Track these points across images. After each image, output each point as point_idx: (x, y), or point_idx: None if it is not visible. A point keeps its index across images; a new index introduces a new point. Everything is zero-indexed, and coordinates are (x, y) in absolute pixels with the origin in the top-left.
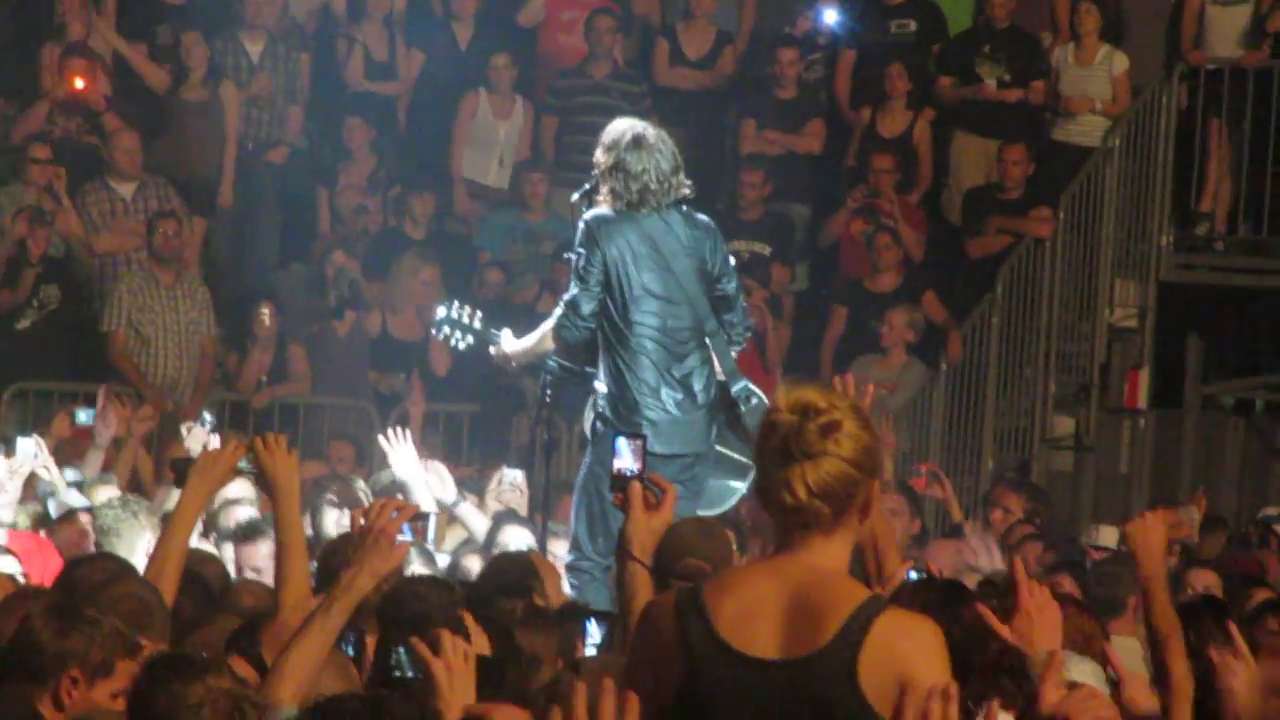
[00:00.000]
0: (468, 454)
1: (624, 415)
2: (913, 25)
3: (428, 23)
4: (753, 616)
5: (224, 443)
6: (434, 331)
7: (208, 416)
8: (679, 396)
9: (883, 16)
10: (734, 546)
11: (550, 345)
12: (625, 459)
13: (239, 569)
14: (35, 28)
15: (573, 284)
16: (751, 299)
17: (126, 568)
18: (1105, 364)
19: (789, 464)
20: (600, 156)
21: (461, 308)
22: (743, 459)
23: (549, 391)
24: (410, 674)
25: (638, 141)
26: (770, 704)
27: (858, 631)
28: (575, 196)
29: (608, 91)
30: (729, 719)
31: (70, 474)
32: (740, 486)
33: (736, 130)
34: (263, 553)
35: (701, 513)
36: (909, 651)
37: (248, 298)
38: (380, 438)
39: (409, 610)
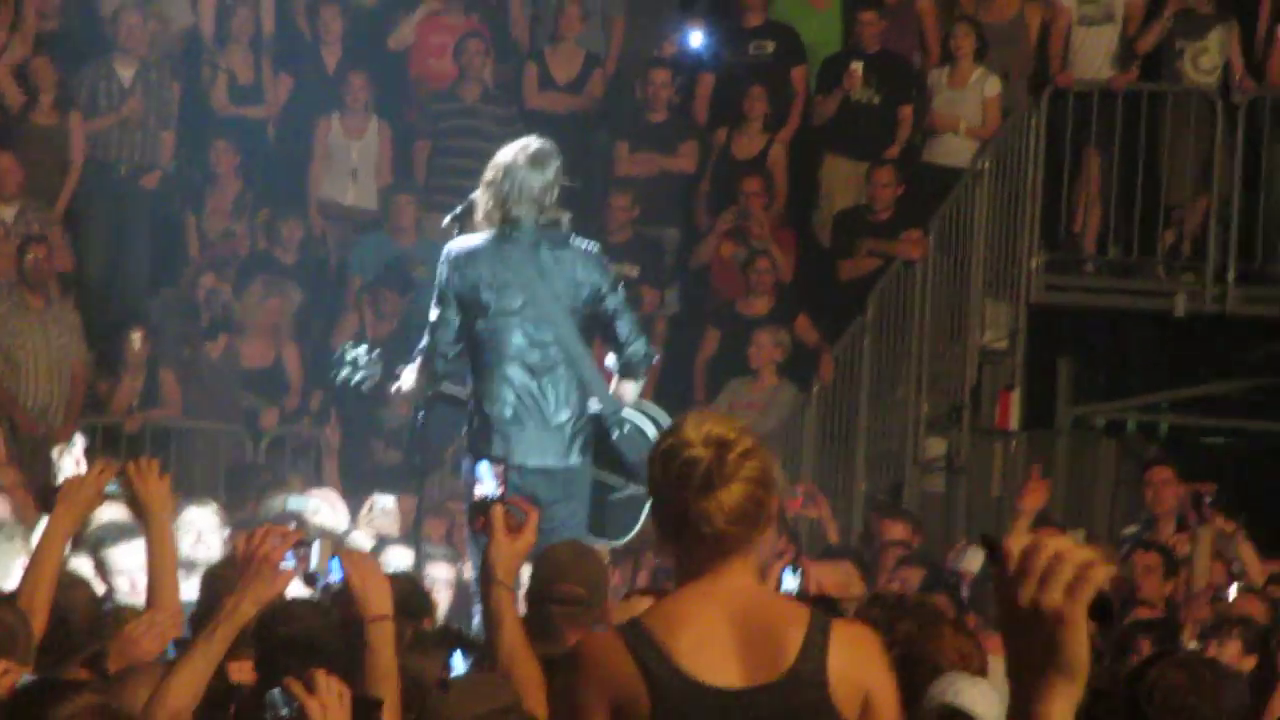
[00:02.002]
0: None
1: (480, 432)
2: (770, 47)
3: (296, 46)
4: (708, 646)
5: (92, 467)
6: (331, 374)
7: (79, 438)
8: (531, 413)
9: (742, 39)
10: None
11: (427, 375)
12: (486, 483)
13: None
14: None
15: (431, 312)
16: None
17: None
18: (976, 386)
19: (706, 496)
20: (487, 175)
21: (355, 347)
22: (630, 488)
23: (421, 414)
24: (285, 713)
25: (524, 156)
26: None
27: (819, 648)
28: (447, 220)
29: (478, 115)
30: None
31: None
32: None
33: (607, 153)
34: (127, 553)
35: (607, 541)
36: (866, 660)
37: (119, 322)
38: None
39: (284, 633)
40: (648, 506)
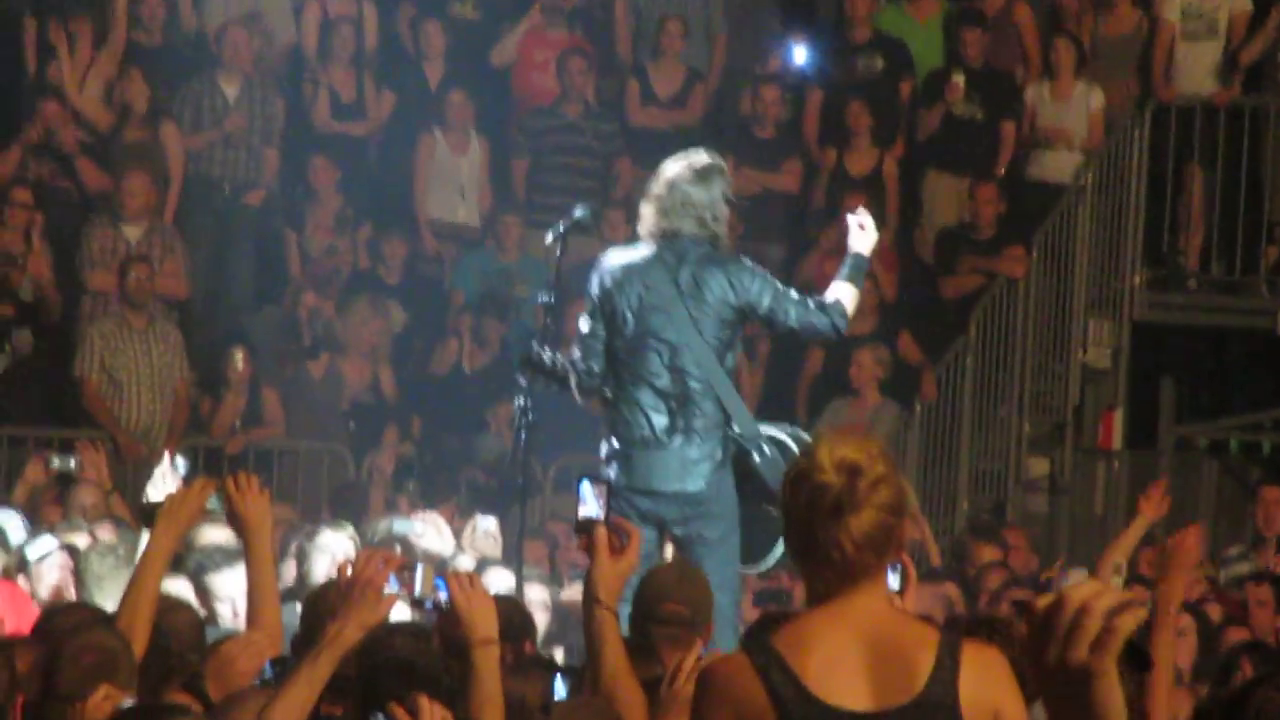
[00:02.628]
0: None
1: (614, 450)
2: (879, 63)
3: (399, 62)
4: (837, 669)
5: (192, 484)
6: (517, 374)
7: (181, 460)
8: (665, 434)
9: (849, 54)
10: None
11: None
12: (589, 504)
13: (206, 605)
14: (7, 70)
15: (582, 322)
16: None
17: (98, 616)
18: (1079, 404)
19: (837, 521)
20: (654, 187)
21: (544, 349)
22: (769, 510)
23: (523, 434)
24: None
25: (691, 170)
26: None
27: (949, 670)
28: (550, 238)
29: (580, 131)
30: None
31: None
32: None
33: None
34: (230, 579)
35: (749, 567)
36: (995, 682)
37: (221, 341)
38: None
39: (384, 658)
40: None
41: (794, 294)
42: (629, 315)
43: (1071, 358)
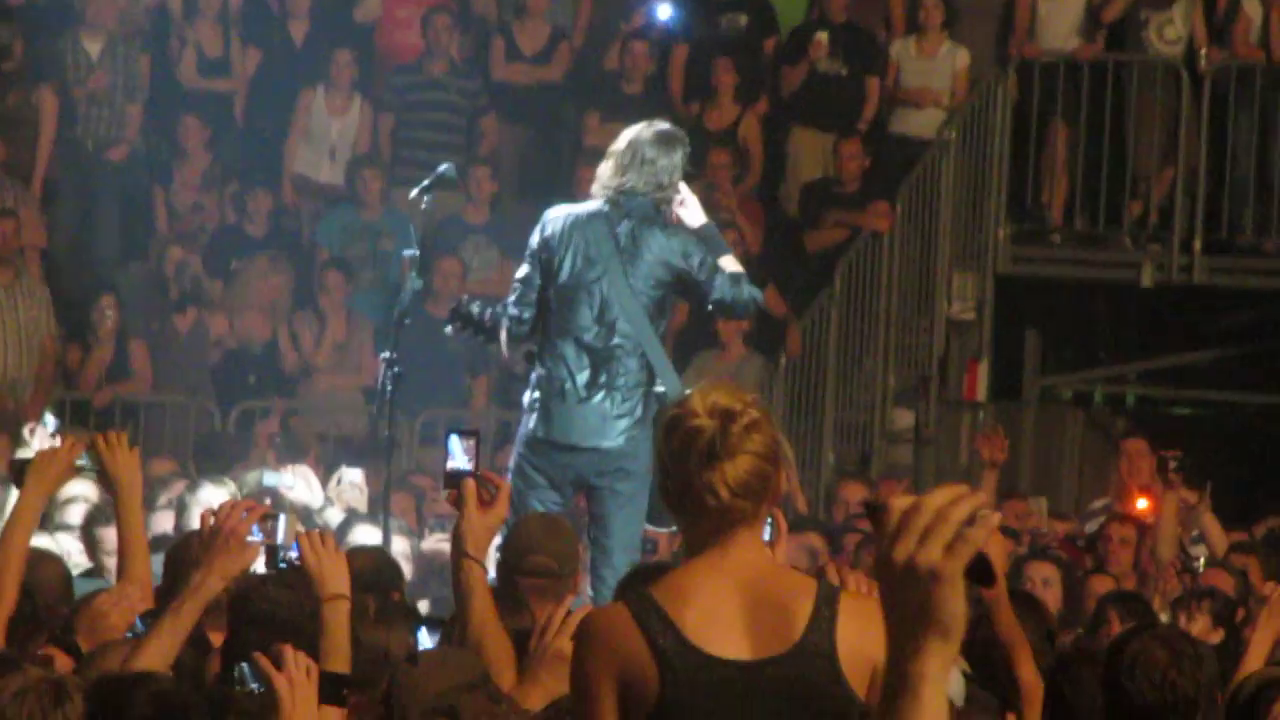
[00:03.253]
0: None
1: (527, 405)
2: (743, 20)
3: (264, 19)
4: (717, 619)
5: (61, 442)
6: (447, 327)
7: (51, 418)
8: (585, 390)
9: (713, 11)
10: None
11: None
12: (458, 457)
13: (94, 556)
14: None
15: (519, 269)
16: None
17: None
18: (944, 357)
19: (711, 467)
20: (613, 146)
21: (472, 302)
22: None
23: (389, 388)
24: (254, 687)
25: (651, 136)
26: (755, 703)
27: (827, 620)
28: (414, 193)
29: (445, 88)
30: None
31: None
32: None
33: (575, 124)
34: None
35: (656, 526)
36: (874, 633)
37: (88, 295)
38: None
39: (252, 609)
40: None
41: (723, 267)
42: (565, 265)
43: (936, 310)
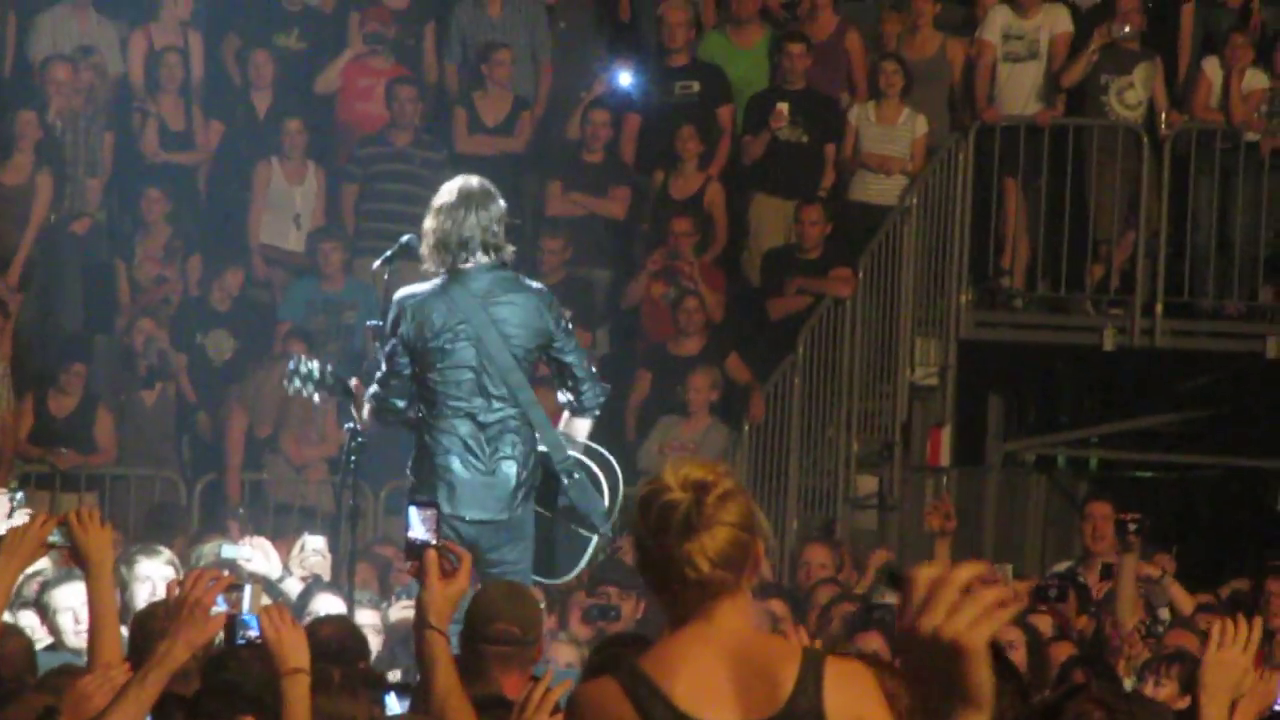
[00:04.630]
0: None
1: (425, 479)
2: (696, 87)
3: (226, 92)
4: (705, 688)
5: (33, 518)
6: (284, 382)
7: (18, 493)
8: (476, 463)
9: (667, 78)
10: (543, 609)
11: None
12: (417, 528)
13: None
14: None
15: (381, 366)
16: None
17: None
18: (907, 422)
19: (689, 539)
20: (428, 221)
21: (309, 361)
22: (577, 529)
23: (353, 458)
24: None
25: (464, 196)
26: None
27: (813, 683)
28: (377, 264)
29: (410, 159)
30: None
31: None
32: (587, 540)
33: (538, 194)
34: (69, 593)
35: (551, 580)
36: (861, 694)
37: (54, 367)
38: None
39: (219, 680)
40: (592, 545)
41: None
42: (438, 346)
43: (899, 376)
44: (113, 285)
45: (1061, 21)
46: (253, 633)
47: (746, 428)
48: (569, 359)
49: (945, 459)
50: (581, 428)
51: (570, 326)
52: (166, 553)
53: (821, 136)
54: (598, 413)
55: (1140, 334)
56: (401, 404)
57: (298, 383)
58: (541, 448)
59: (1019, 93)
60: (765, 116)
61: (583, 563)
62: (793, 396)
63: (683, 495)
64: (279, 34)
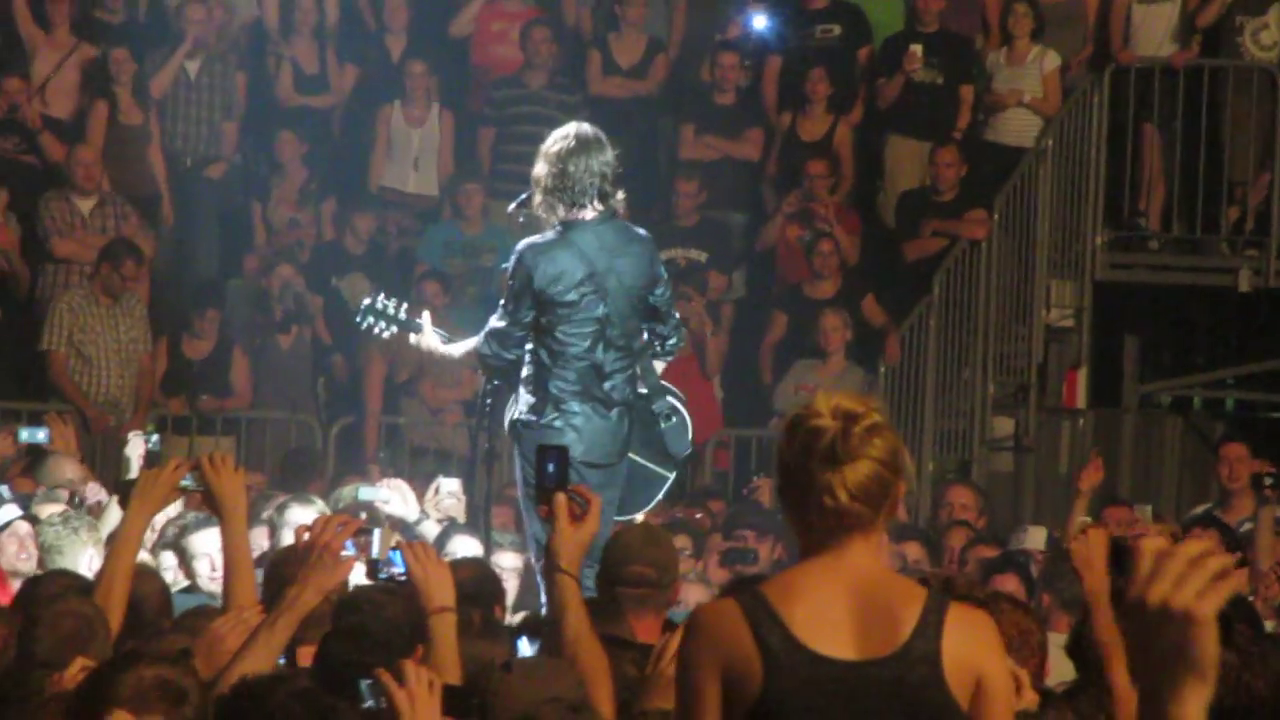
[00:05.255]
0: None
1: (546, 419)
2: (837, 30)
3: (360, 36)
4: (824, 619)
5: (166, 463)
6: (358, 320)
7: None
8: (597, 411)
9: (807, 22)
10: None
11: (469, 361)
12: (547, 473)
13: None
14: None
15: (499, 313)
16: (691, 305)
17: (78, 585)
18: (1043, 364)
19: (831, 468)
20: (540, 168)
21: (388, 299)
22: (656, 469)
23: (488, 401)
24: (372, 704)
25: (581, 143)
26: (857, 703)
27: (934, 626)
28: (511, 207)
29: (544, 101)
30: None
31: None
32: (664, 480)
33: (672, 137)
34: (205, 538)
35: (623, 517)
36: (980, 643)
37: (189, 311)
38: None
39: (346, 624)
40: (667, 486)
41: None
42: (564, 294)
43: (1034, 318)
44: (248, 229)
45: None
46: (396, 569)
47: (882, 370)
48: (663, 306)
49: (1081, 401)
50: (657, 368)
51: (665, 275)
52: (319, 502)
53: (956, 78)
54: (668, 359)
55: (1275, 275)
56: (514, 355)
57: (371, 319)
58: (642, 390)
59: (1153, 34)
60: (899, 58)
61: (650, 505)
62: (928, 339)
63: (831, 423)
64: None
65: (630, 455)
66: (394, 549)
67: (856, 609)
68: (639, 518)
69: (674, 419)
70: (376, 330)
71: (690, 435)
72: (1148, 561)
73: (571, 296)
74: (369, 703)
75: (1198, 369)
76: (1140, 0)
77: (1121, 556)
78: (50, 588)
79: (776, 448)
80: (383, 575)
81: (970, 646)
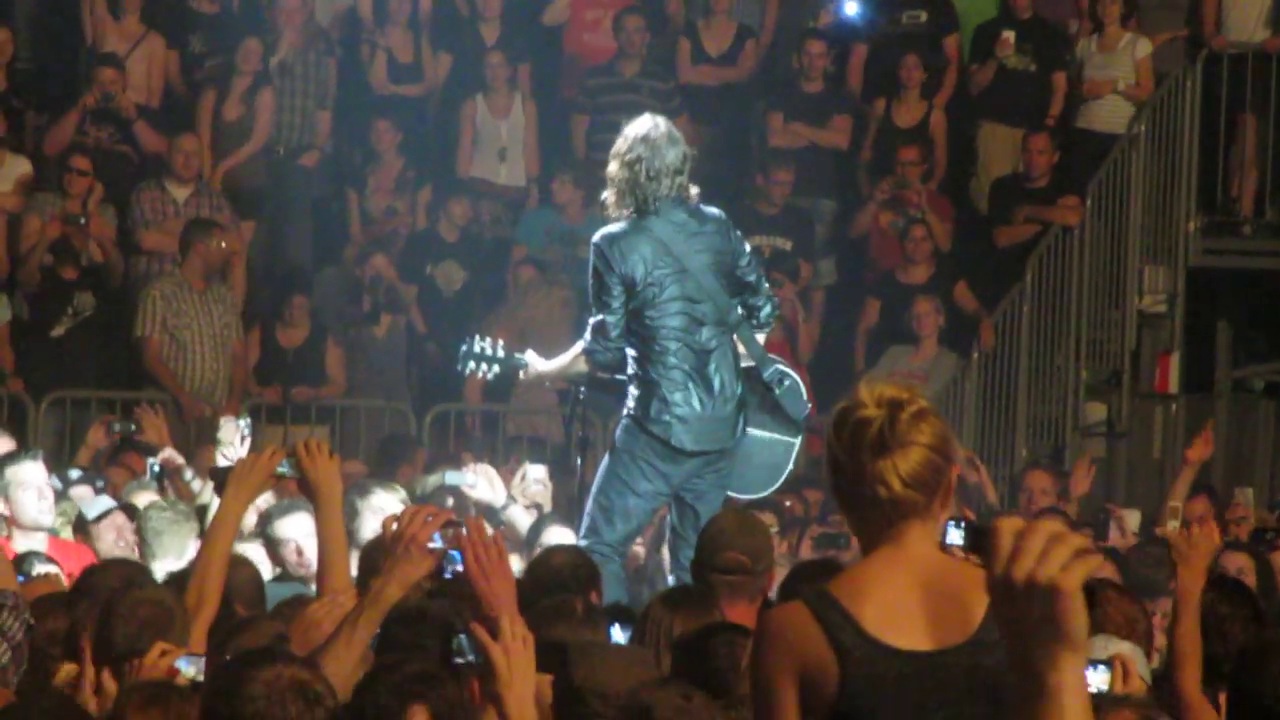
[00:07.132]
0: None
1: (653, 416)
2: (923, 16)
3: (454, 24)
4: (896, 612)
5: (262, 450)
6: (459, 367)
7: (246, 421)
8: (704, 395)
9: (894, 8)
10: (774, 535)
11: (583, 366)
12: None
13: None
14: (66, 38)
15: (595, 308)
16: (782, 292)
17: (141, 572)
18: (1136, 350)
19: (882, 457)
20: (612, 168)
21: (483, 340)
22: (781, 437)
23: (582, 389)
24: (471, 658)
25: (650, 144)
26: (937, 693)
27: None
28: (604, 195)
29: (638, 89)
30: (893, 717)
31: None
32: (792, 446)
33: (762, 125)
34: (292, 524)
35: (747, 495)
36: None
37: (281, 299)
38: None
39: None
40: (795, 451)
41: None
42: (649, 281)
43: (1127, 304)
44: (343, 217)
45: None
46: (459, 567)
47: (975, 356)
48: (751, 278)
49: (1174, 386)
50: (760, 340)
51: (748, 247)
52: (402, 490)
53: (1049, 65)
54: (766, 330)
55: None
56: (617, 344)
57: (472, 364)
58: (747, 363)
59: (1247, 19)
60: (992, 45)
61: (787, 472)
62: (1021, 325)
63: (877, 412)
64: None
65: (751, 431)
66: (455, 549)
67: (926, 599)
68: (765, 493)
69: (786, 382)
70: (480, 374)
71: (805, 396)
72: (1008, 540)
73: (653, 278)
74: (469, 657)
75: None
76: None
77: (979, 537)
78: (112, 578)
79: (825, 444)
80: (448, 574)
81: None
